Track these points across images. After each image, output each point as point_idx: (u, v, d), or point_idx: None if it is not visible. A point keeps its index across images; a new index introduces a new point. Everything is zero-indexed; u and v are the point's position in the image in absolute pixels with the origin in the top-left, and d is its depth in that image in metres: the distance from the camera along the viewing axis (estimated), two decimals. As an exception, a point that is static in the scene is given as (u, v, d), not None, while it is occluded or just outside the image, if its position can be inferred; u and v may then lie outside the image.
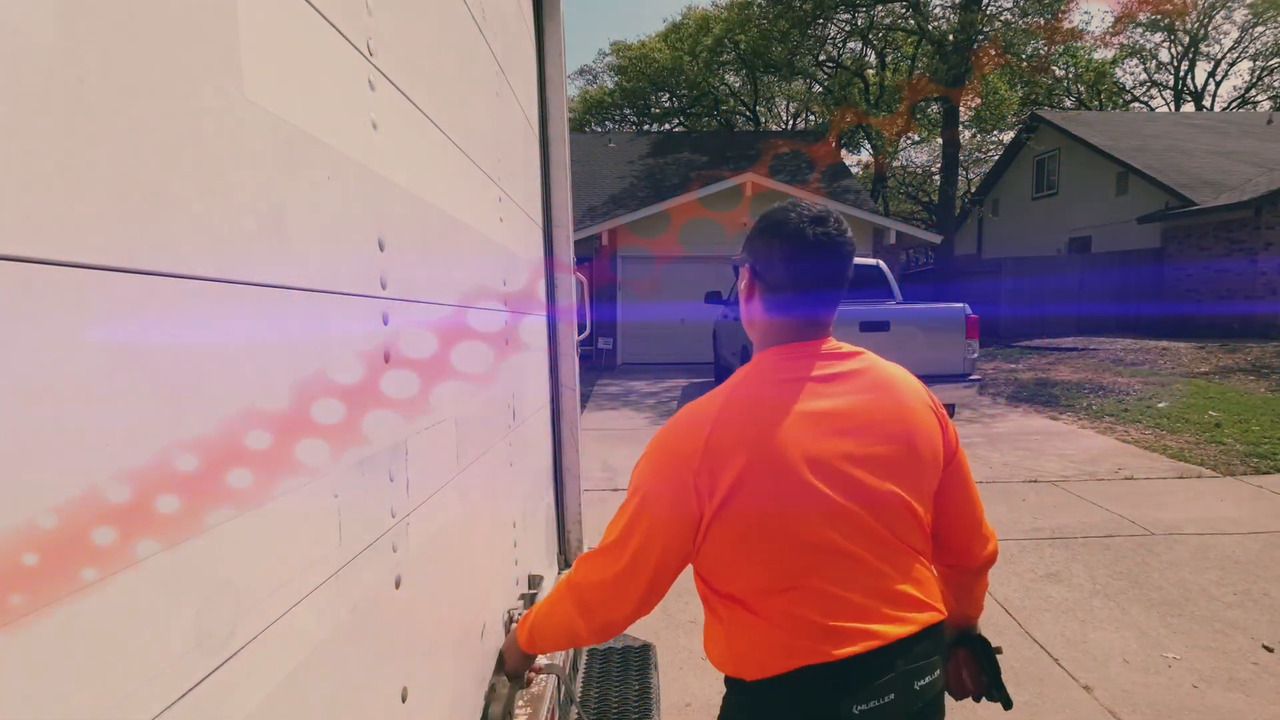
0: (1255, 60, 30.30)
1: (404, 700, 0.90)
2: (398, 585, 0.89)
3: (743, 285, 1.17)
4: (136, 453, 0.45)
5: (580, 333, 2.43)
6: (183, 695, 0.48)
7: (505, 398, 1.53)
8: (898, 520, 1.04)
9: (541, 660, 1.62)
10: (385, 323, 0.86)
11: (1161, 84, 32.64)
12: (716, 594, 1.05)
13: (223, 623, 0.53)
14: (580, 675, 2.08)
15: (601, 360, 14.84)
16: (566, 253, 2.39)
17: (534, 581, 1.71)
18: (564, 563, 2.28)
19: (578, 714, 1.76)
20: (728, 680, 1.07)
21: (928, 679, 1.02)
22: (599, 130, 29.40)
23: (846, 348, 1.12)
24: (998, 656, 1.31)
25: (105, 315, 0.43)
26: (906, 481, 1.05)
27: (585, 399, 10.67)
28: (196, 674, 0.50)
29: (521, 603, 1.59)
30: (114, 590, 0.43)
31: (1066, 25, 19.78)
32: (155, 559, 0.46)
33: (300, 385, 0.66)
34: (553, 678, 1.54)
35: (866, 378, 1.09)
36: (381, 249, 0.86)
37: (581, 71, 34.30)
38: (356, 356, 0.79)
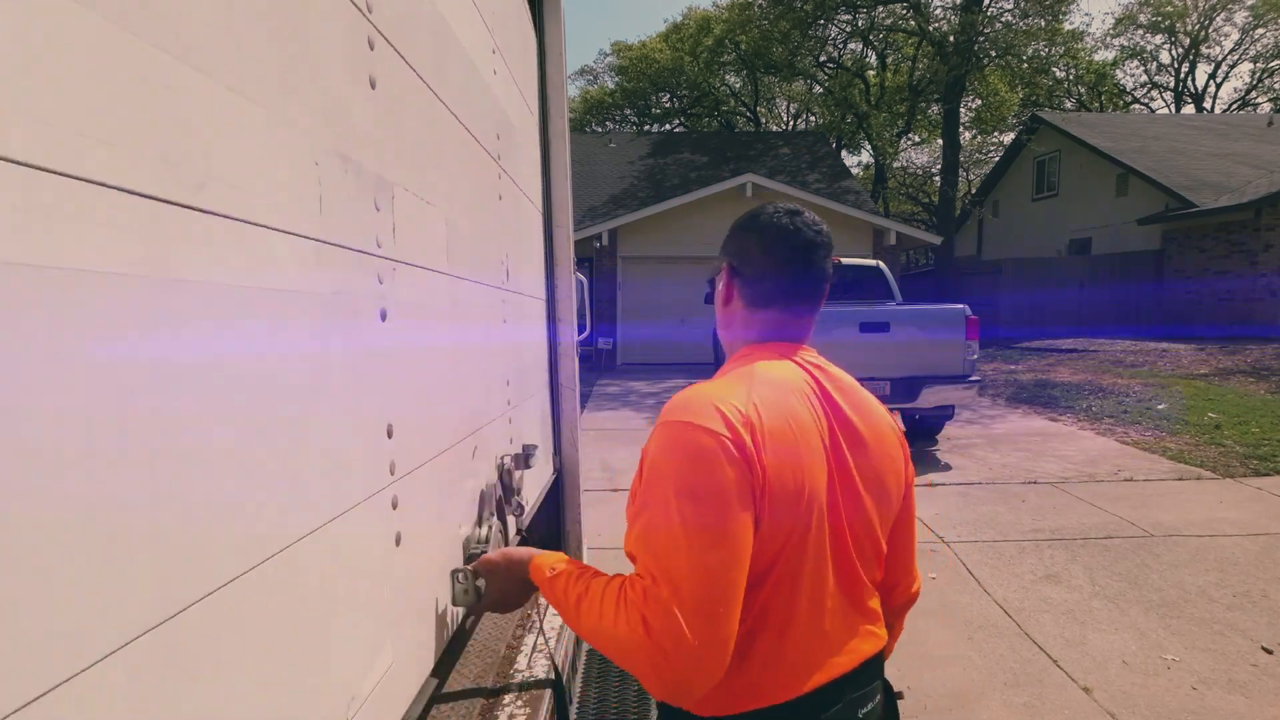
0: (1255, 62, 30.33)
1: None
2: (397, 543, 0.91)
3: (721, 287, 1.11)
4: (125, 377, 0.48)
5: (580, 332, 2.43)
6: (170, 617, 0.51)
7: (503, 373, 1.56)
8: (866, 548, 1.01)
9: (529, 641, 1.61)
10: (380, 282, 0.88)
11: (1162, 86, 32.68)
12: None
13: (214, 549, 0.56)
14: (579, 676, 2.08)
15: (601, 361, 14.83)
16: (566, 251, 2.38)
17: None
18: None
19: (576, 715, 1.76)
20: (670, 710, 0.98)
21: (870, 705, 1.02)
22: (599, 131, 29.40)
23: (825, 361, 1.08)
24: (898, 702, 1.21)
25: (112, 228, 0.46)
26: (880, 510, 1.02)
27: (584, 399, 10.67)
28: (180, 600, 0.52)
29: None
30: (103, 502, 0.45)
31: (1067, 27, 19.81)
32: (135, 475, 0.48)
33: (289, 332, 0.68)
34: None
35: (853, 395, 1.04)
36: (377, 209, 0.87)
37: (582, 72, 34.32)
38: (351, 308, 0.80)
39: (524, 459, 1.67)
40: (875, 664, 1.03)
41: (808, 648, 0.94)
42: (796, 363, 1.03)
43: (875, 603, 1.05)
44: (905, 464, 1.09)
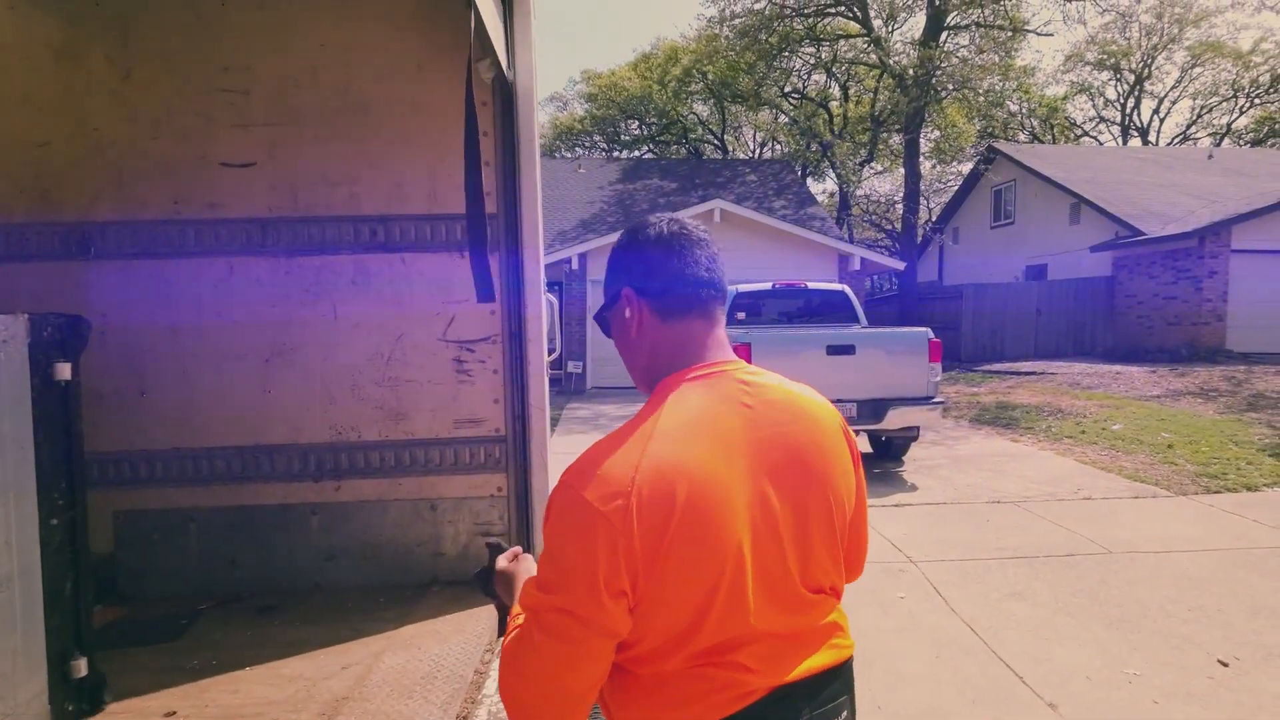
0: (1195, 99, 31.98)
1: None
2: None
3: (626, 315, 1.02)
4: None
5: (550, 353, 2.43)
6: None
7: None
8: (815, 565, 0.95)
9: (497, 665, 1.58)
10: None
11: (1109, 120, 34.19)
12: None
13: None
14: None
15: (571, 385, 14.78)
16: (537, 273, 2.39)
17: None
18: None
19: None
20: None
21: None
22: (569, 156, 29.63)
23: (765, 374, 1.01)
24: None
25: None
26: (838, 518, 0.97)
27: (554, 423, 10.60)
28: None
29: None
30: None
31: (1019, 63, 20.67)
32: None
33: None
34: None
35: (790, 408, 0.97)
36: None
37: (552, 98, 34.73)
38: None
39: None
40: (839, 676, 0.98)
41: (745, 669, 0.89)
42: (727, 387, 0.96)
43: (837, 614, 1.00)
44: (854, 460, 1.05)
